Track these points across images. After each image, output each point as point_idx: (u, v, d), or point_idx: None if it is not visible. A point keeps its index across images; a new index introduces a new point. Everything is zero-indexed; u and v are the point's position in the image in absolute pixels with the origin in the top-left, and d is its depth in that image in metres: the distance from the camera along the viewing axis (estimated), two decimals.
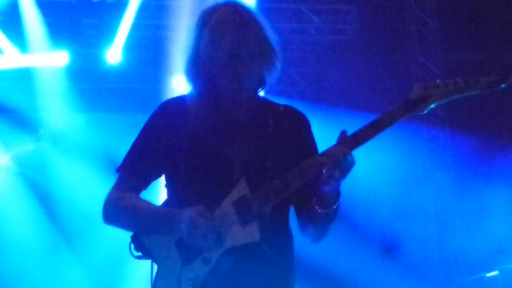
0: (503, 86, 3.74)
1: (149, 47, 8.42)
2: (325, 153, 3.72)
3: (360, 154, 3.77)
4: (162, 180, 3.96)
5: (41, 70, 8.69)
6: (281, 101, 4.04)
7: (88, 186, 7.63)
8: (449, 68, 8.13)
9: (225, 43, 3.74)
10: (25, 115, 8.71)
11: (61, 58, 8.55)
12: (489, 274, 7.15)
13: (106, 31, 8.49)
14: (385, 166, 7.92)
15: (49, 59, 8.60)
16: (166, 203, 3.89)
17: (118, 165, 3.93)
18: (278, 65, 3.87)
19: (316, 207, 3.76)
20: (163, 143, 3.85)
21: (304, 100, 8.28)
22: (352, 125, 3.78)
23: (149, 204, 3.84)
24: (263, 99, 3.94)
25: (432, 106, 3.75)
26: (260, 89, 3.90)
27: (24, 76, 8.64)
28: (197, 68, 3.82)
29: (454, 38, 8.17)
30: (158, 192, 4.16)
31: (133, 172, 3.89)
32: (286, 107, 3.95)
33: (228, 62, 3.75)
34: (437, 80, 3.78)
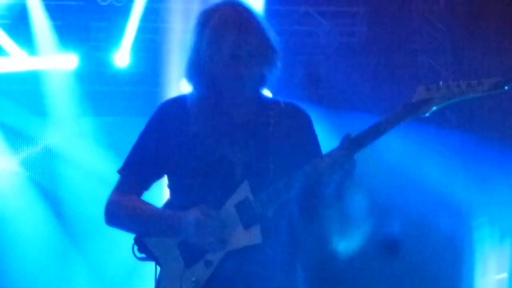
0: (506, 88, 3.81)
1: (157, 50, 8.45)
2: (327, 156, 3.80)
3: (366, 153, 3.84)
4: (164, 180, 4.02)
5: (49, 73, 8.73)
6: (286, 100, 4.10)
7: (97, 190, 7.66)
8: (458, 71, 8.15)
9: (226, 44, 3.80)
10: (34, 119, 8.76)
11: (69, 61, 8.61)
12: (498, 276, 7.18)
13: (114, 34, 8.56)
14: (391, 165, 7.91)
15: (58, 62, 8.65)
16: (168, 204, 3.95)
17: (120, 165, 4.02)
18: (279, 64, 3.92)
19: (319, 209, 3.84)
20: (164, 144, 3.90)
21: (312, 103, 8.32)
22: (361, 127, 3.86)
23: (151, 206, 3.91)
24: (264, 98, 3.99)
25: (434, 108, 3.81)
26: (261, 88, 3.97)
27: (33, 80, 8.69)
28: (197, 69, 3.88)
29: (463, 40, 8.20)
30: (161, 192, 4.22)
31: (134, 173, 3.96)
32: (288, 104, 3.99)
33: (229, 63, 3.81)
34: (440, 82, 3.86)
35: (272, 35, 3.90)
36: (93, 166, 8.51)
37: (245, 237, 3.76)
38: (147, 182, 3.99)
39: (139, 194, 3.98)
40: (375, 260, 7.86)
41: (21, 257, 8.65)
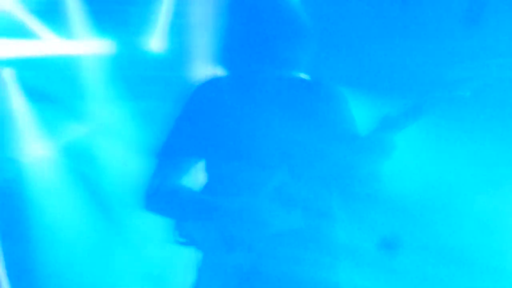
0: None
1: (193, 34, 8.50)
2: (366, 137, 3.85)
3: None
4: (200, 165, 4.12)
5: (85, 58, 8.81)
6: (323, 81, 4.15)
7: (135, 176, 7.71)
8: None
9: (259, 25, 3.89)
10: (71, 105, 8.83)
11: (105, 46, 8.71)
12: None
13: (150, 19, 8.63)
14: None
15: (93, 47, 8.75)
16: (206, 188, 4.07)
17: (158, 150, 4.09)
18: (313, 44, 3.97)
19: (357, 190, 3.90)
20: (202, 127, 4.02)
21: (350, 85, 8.29)
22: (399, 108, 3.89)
23: (194, 192, 4.01)
24: (299, 79, 4.07)
25: (474, 87, 3.84)
26: (297, 69, 4.03)
27: (68, 65, 8.77)
28: (230, 51, 3.96)
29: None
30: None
31: (174, 158, 4.08)
32: (323, 84, 4.08)
33: (263, 44, 3.90)
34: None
35: (305, 14, 3.99)
36: (132, 151, 8.56)
37: (287, 221, 3.83)
38: (187, 166, 4.07)
39: (180, 178, 4.06)
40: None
41: (63, 249, 8.70)
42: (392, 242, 6.87)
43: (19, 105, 8.87)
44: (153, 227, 7.47)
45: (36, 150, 8.82)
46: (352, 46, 8.36)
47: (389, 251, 6.81)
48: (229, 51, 3.94)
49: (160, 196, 4.01)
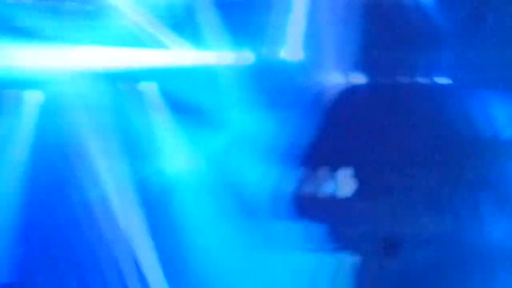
0: None
1: (327, 42, 8.62)
2: (506, 140, 3.87)
3: None
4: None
5: (223, 68, 9.03)
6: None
7: (280, 185, 7.86)
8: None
9: (394, 31, 3.94)
10: (212, 115, 9.08)
11: (243, 56, 8.93)
12: None
13: (284, 28, 8.81)
14: None
15: (230, 58, 8.98)
16: (354, 193, 4.14)
17: (301, 159, 4.23)
18: (452, 48, 4.01)
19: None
20: (345, 134, 4.08)
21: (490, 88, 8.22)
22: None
23: (345, 198, 4.11)
24: (440, 84, 4.10)
25: None
26: (435, 74, 4.07)
27: (207, 76, 9.03)
28: (366, 58, 4.05)
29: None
30: None
31: (317, 165, 4.12)
32: (464, 88, 4.11)
33: (400, 50, 3.95)
34: None
35: (443, 20, 4.00)
36: (270, 159, 8.71)
37: (423, 226, 3.92)
38: (333, 172, 4.18)
39: (327, 185, 4.16)
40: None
41: (212, 258, 8.89)
42: None
43: (162, 117, 9.16)
44: (304, 235, 7.66)
45: (181, 161, 9.18)
46: (492, 47, 8.32)
47: None
48: (365, 58, 4.05)
49: (311, 203, 4.16)
